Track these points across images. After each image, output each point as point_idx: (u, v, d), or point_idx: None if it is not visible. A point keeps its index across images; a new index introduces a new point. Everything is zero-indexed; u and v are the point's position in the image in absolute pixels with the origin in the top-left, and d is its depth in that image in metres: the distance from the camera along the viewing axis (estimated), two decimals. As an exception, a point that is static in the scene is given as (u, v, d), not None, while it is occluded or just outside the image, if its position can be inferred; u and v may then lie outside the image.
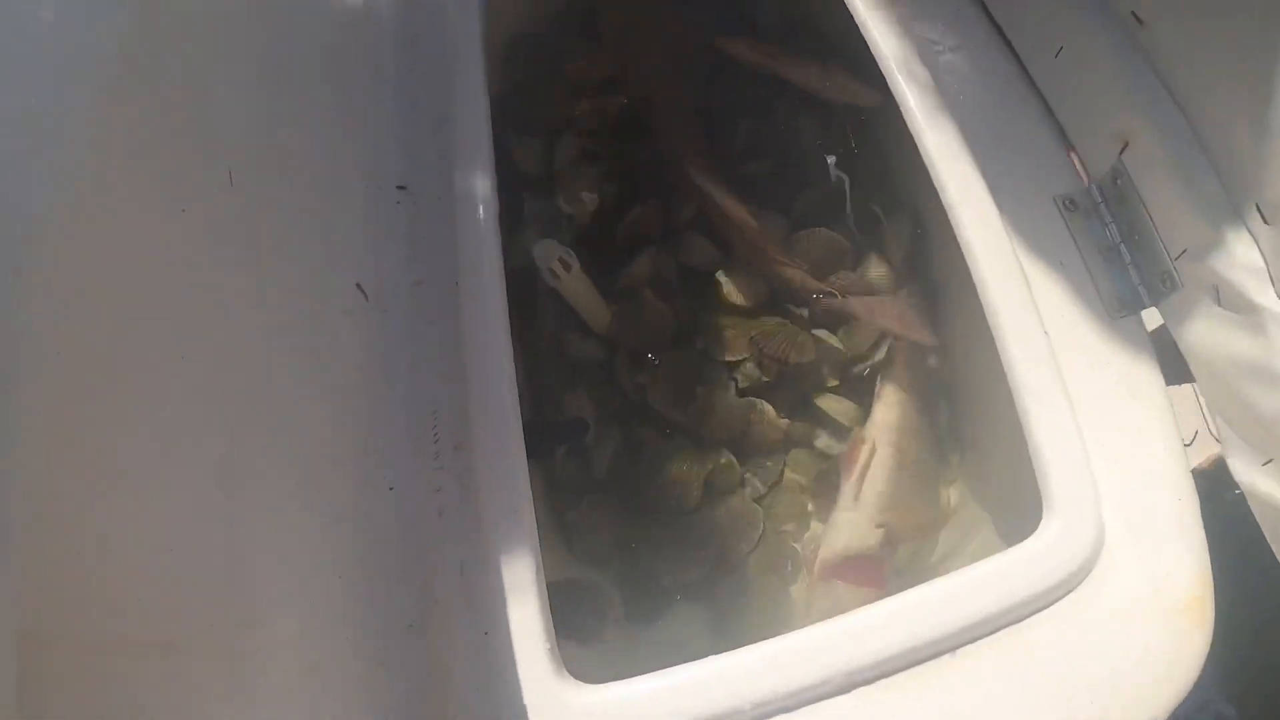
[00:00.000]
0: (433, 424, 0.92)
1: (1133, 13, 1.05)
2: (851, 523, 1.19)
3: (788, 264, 1.28)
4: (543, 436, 1.14)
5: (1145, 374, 1.01)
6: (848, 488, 1.21)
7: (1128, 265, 1.07)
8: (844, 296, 1.29)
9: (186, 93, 0.82)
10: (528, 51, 1.48)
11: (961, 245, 1.05)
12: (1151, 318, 1.06)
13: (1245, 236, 0.94)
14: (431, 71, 1.20)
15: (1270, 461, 0.92)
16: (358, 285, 0.95)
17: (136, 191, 0.73)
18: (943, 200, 1.07)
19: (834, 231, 1.35)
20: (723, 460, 1.27)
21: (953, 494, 1.28)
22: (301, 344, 0.88)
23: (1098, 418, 0.97)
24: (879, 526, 1.19)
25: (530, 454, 0.91)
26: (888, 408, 1.27)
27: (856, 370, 1.33)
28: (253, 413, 0.80)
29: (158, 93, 0.78)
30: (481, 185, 1.03)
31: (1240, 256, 0.94)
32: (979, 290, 1.03)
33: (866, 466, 1.21)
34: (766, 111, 1.44)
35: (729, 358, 1.28)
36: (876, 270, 1.35)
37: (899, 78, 1.12)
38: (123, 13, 0.75)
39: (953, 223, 1.06)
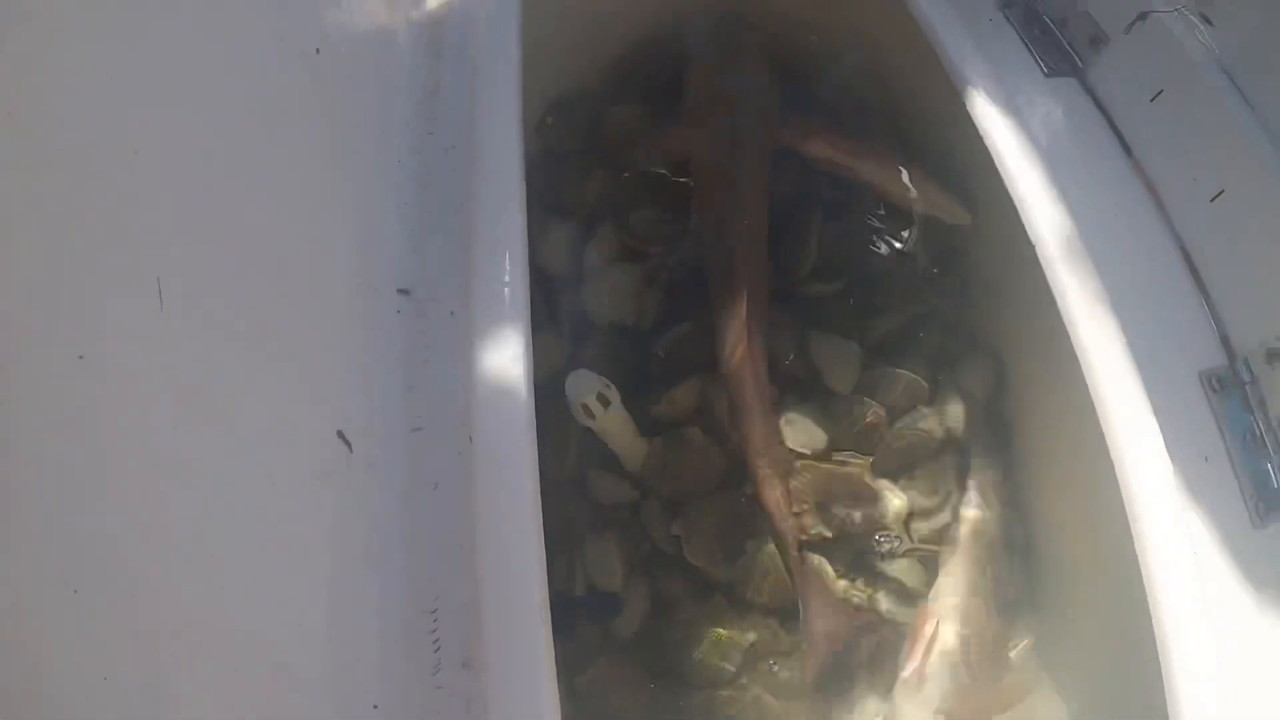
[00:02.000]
0: (432, 626, 0.69)
1: None
2: (913, 717, 1.07)
3: (779, 499, 1.09)
4: (564, 611, 0.93)
5: None
6: (910, 672, 1.08)
7: (1272, 459, 0.91)
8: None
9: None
10: (567, 115, 1.30)
11: (1101, 419, 0.89)
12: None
13: None
14: (452, 138, 0.99)
15: None
16: (339, 434, 0.72)
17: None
18: (1081, 364, 0.89)
19: (910, 372, 1.19)
20: (768, 627, 1.10)
21: (1016, 656, 1.15)
22: (260, 524, 0.64)
23: (1235, 645, 0.82)
24: (938, 714, 1.07)
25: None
26: (954, 579, 1.14)
27: (920, 527, 1.17)
28: (194, 623, 0.57)
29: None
30: (512, 294, 0.80)
31: None
32: (1120, 481, 0.87)
33: (931, 646, 1.08)
34: (837, 217, 1.25)
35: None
36: (950, 413, 1.17)
37: (1035, 218, 0.93)
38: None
39: (1091, 392, 0.90)
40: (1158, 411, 0.88)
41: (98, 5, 0.61)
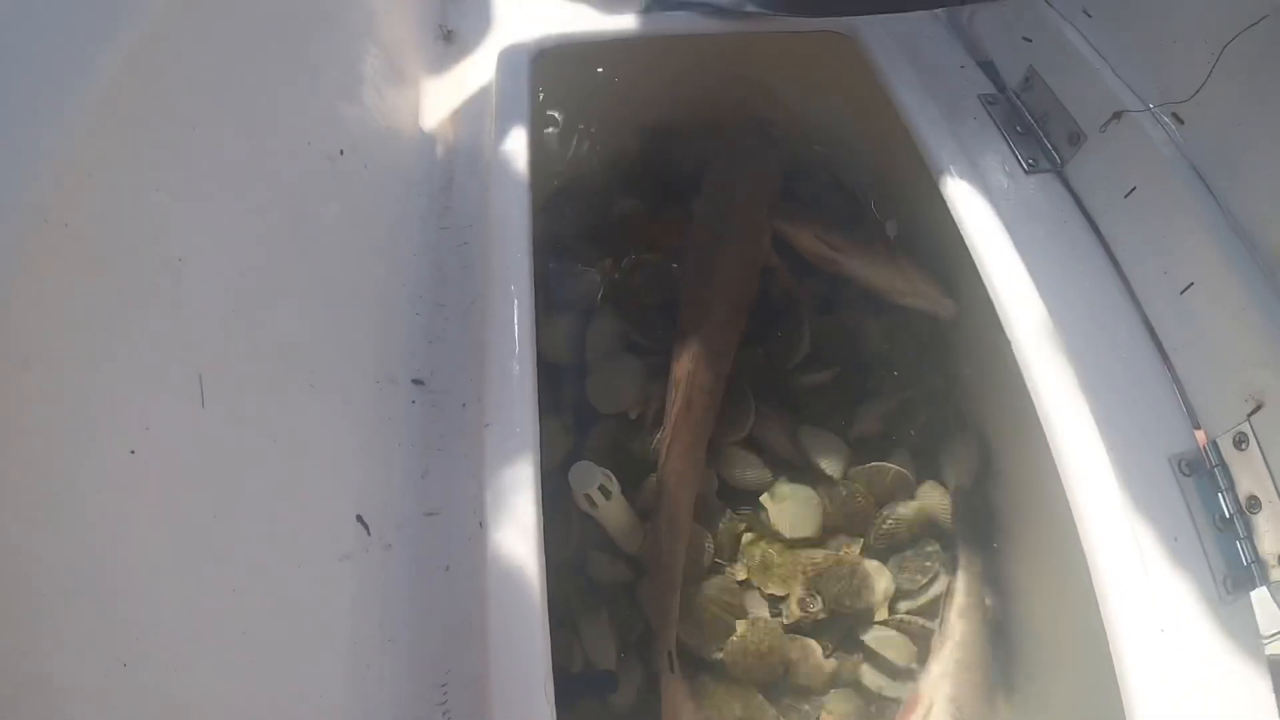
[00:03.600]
0: (442, 698, 0.74)
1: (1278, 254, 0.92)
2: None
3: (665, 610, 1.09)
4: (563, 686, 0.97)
5: (1253, 673, 0.87)
6: None
7: (1241, 540, 0.94)
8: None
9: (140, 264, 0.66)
10: (570, 206, 1.35)
11: (1071, 503, 0.94)
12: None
13: None
14: (464, 235, 1.05)
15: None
16: (358, 517, 0.77)
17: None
18: (1052, 450, 0.94)
19: (897, 465, 1.23)
20: (755, 702, 1.12)
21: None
22: (286, 602, 0.69)
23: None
24: None
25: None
26: (946, 662, 1.15)
27: (905, 605, 1.21)
28: (230, 693, 0.62)
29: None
30: (521, 390, 0.86)
31: None
32: (1090, 562, 0.91)
33: None
34: (828, 309, 1.31)
35: (776, 592, 1.12)
36: (934, 498, 1.22)
37: (1010, 310, 0.99)
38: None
39: (1062, 477, 0.94)
40: (1128, 495, 0.92)
41: (146, 119, 0.67)
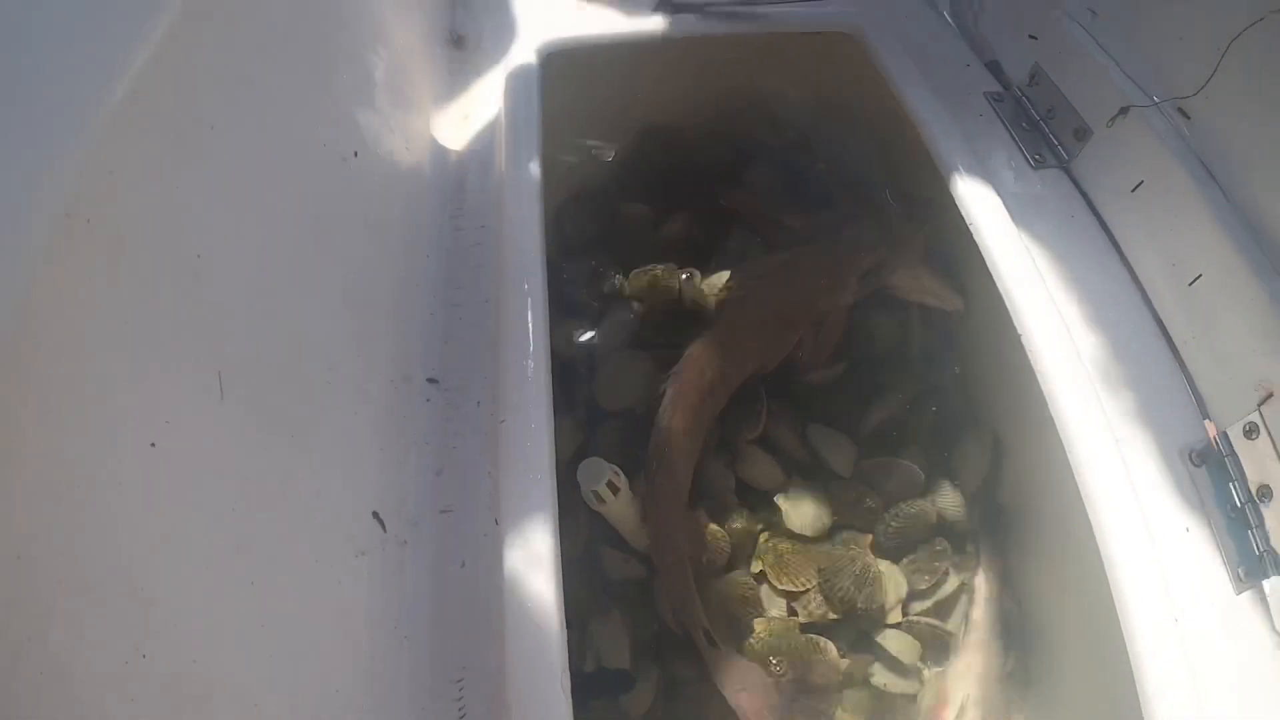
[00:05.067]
0: (458, 694, 0.75)
1: None
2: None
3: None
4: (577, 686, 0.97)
5: (1269, 662, 0.87)
6: None
7: (1254, 529, 0.94)
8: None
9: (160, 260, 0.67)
10: (580, 211, 1.36)
11: (1083, 496, 0.94)
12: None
13: None
14: (477, 235, 1.06)
15: None
16: (374, 514, 0.78)
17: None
18: (1064, 443, 0.94)
19: (908, 460, 1.24)
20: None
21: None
22: (305, 596, 0.70)
23: (1218, 707, 0.85)
24: None
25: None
26: (971, 661, 1.18)
27: (920, 607, 1.21)
28: (249, 685, 0.63)
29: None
30: (535, 388, 0.86)
31: None
32: (1103, 554, 0.91)
33: None
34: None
35: (791, 588, 1.12)
36: (946, 496, 1.22)
37: (1020, 305, 0.99)
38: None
39: (1074, 470, 0.94)
40: (1140, 487, 0.93)
41: (167, 119, 0.68)
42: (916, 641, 1.18)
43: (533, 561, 0.76)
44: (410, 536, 0.81)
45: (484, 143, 1.29)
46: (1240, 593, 0.91)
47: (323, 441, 0.77)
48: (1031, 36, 1.32)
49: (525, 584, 0.76)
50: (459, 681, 0.75)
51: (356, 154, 1.00)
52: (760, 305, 1.24)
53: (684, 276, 1.35)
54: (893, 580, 1.20)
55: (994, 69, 1.38)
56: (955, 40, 1.44)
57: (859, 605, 1.14)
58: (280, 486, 0.71)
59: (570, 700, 0.72)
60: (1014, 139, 1.25)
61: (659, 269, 1.35)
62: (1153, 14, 1.13)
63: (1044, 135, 1.25)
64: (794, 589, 1.15)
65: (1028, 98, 1.30)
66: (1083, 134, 1.20)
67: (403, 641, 0.77)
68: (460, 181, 1.22)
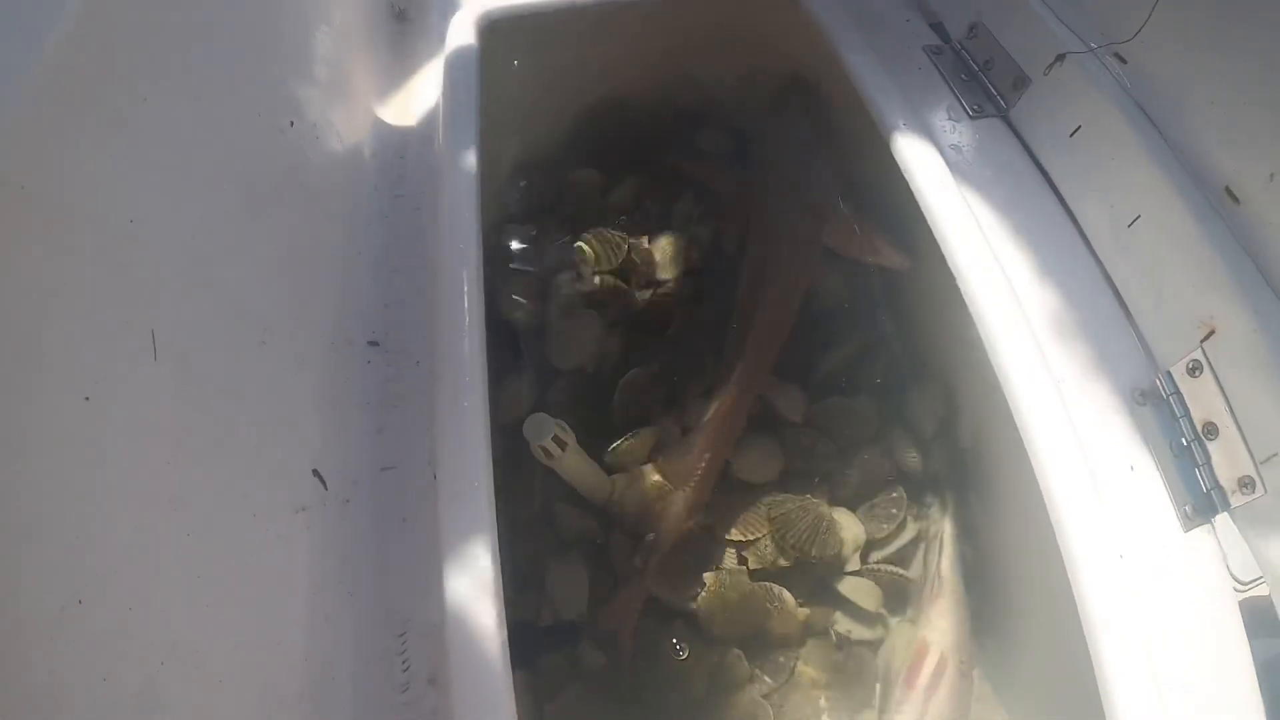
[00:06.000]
0: (401, 647, 0.75)
1: (1227, 189, 0.94)
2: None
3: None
4: (530, 643, 0.98)
5: (1216, 600, 0.89)
6: (910, 703, 1.12)
7: (1200, 466, 0.95)
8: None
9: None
10: (529, 179, 1.37)
11: (1024, 439, 0.94)
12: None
13: None
14: (417, 200, 1.07)
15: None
16: (314, 472, 0.79)
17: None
18: (1008, 394, 0.95)
19: (861, 403, 1.24)
20: (730, 655, 1.14)
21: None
22: (243, 552, 0.70)
23: (1167, 648, 0.87)
24: None
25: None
26: (945, 609, 1.19)
27: (879, 555, 1.23)
28: (186, 640, 0.64)
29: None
30: (470, 345, 0.87)
31: None
32: (1044, 494, 0.92)
33: (936, 680, 1.12)
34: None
35: (740, 537, 1.13)
36: (900, 444, 1.23)
37: (959, 256, 1.00)
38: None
39: (1015, 414, 0.95)
40: (1085, 429, 0.94)
41: (97, 88, 0.69)
42: (877, 588, 1.19)
43: (470, 514, 0.77)
44: (351, 494, 0.82)
45: (426, 113, 1.29)
46: (1189, 530, 0.93)
47: (259, 401, 0.78)
48: (970, -12, 1.33)
49: (463, 537, 0.77)
50: (401, 635, 0.76)
51: (293, 124, 1.01)
52: (769, 333, 1.26)
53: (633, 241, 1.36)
54: (850, 529, 1.21)
55: (936, 28, 1.39)
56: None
57: (813, 553, 1.15)
58: (215, 443, 0.71)
59: (507, 651, 0.73)
60: (952, 91, 1.25)
61: (608, 232, 1.35)
62: (1089, -40, 1.14)
63: (982, 86, 1.26)
64: (743, 538, 1.16)
65: (967, 50, 1.31)
66: (1021, 83, 1.21)
67: (345, 597, 0.78)
68: (402, 151, 1.22)
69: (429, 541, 0.79)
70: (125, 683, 0.57)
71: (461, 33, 1.28)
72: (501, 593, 0.74)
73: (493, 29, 1.30)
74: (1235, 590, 0.94)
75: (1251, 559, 0.92)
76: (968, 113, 1.22)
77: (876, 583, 1.20)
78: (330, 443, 0.83)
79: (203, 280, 0.76)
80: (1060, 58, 1.16)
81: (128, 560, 0.60)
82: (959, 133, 1.20)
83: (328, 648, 0.75)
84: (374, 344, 0.92)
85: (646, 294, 1.32)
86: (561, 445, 0.99)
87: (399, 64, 1.38)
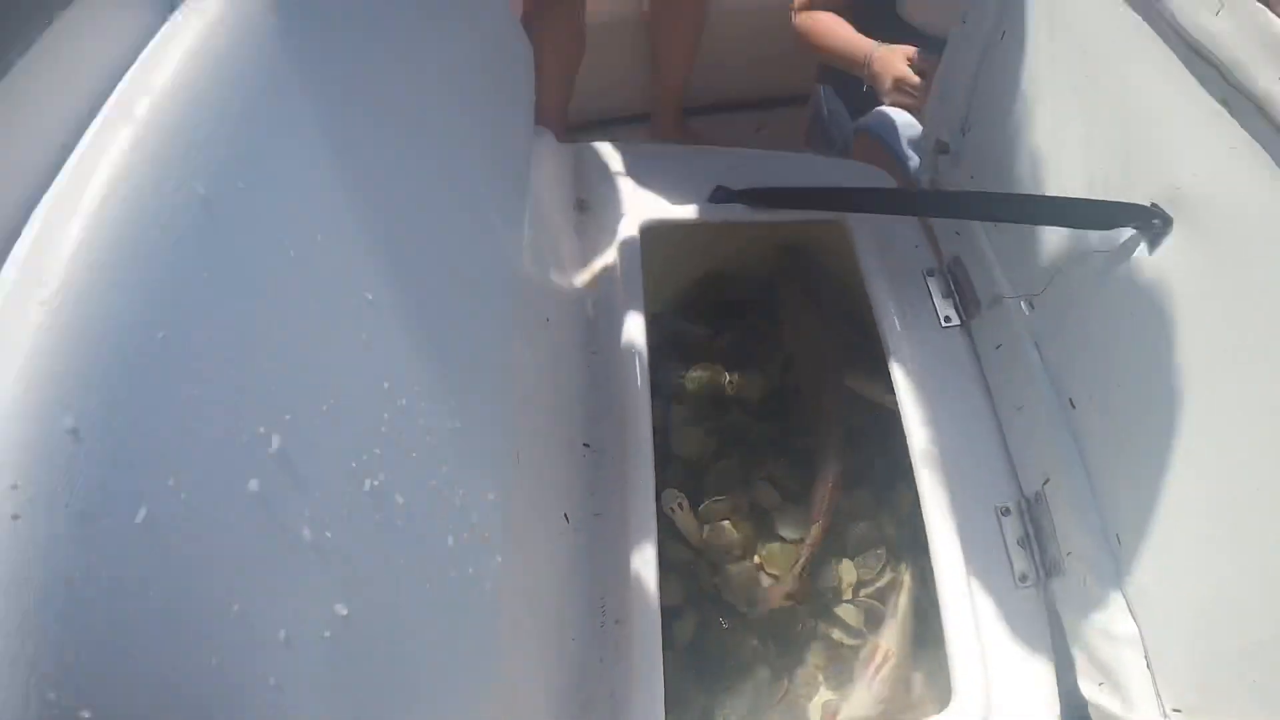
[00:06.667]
0: (601, 605, 1.50)
1: (1069, 399, 1.66)
2: (864, 703, 1.68)
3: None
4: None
5: (1036, 633, 1.49)
6: (864, 679, 1.69)
7: (1034, 555, 1.54)
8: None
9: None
10: (661, 326, 2.14)
11: (928, 537, 1.57)
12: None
13: (1108, 552, 1.48)
14: (610, 355, 1.84)
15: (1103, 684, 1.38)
16: (565, 515, 1.55)
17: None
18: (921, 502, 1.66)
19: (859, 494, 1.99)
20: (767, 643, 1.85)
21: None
22: (530, 565, 1.44)
23: (999, 658, 1.46)
24: (880, 702, 1.69)
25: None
26: (897, 625, 1.74)
27: (866, 591, 1.89)
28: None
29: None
30: (643, 447, 1.63)
31: (1104, 565, 1.46)
32: (934, 567, 1.57)
33: (880, 668, 1.69)
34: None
35: (776, 572, 1.88)
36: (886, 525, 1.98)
37: (908, 410, 1.74)
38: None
39: (925, 521, 1.60)
40: (959, 530, 1.58)
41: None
42: (861, 613, 1.73)
43: (641, 541, 1.48)
44: (580, 529, 1.57)
45: (604, 281, 2.05)
46: (1019, 588, 1.51)
47: (547, 478, 1.55)
48: (956, 233, 2.02)
49: (638, 553, 1.49)
50: (603, 597, 1.50)
51: (549, 320, 1.77)
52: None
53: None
54: (848, 572, 1.76)
55: (936, 255, 2.10)
56: (915, 227, 2.13)
57: (822, 587, 1.76)
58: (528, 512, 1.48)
59: (659, 610, 1.48)
60: (932, 303, 1.93)
61: (713, 367, 2.13)
62: (1019, 233, 1.67)
63: (956, 303, 1.98)
64: (778, 574, 1.81)
65: (952, 274, 2.03)
66: (974, 307, 1.91)
67: (576, 580, 1.54)
68: (583, 304, 1.97)
69: (619, 556, 1.52)
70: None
71: (629, 230, 1.96)
72: (658, 579, 1.49)
73: (649, 229, 1.93)
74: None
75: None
76: (939, 322, 1.90)
77: (860, 610, 1.74)
78: (570, 499, 1.58)
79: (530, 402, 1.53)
80: (996, 299, 1.81)
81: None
82: (931, 334, 1.88)
83: (570, 602, 1.49)
84: (587, 445, 1.68)
85: (736, 411, 2.08)
86: (681, 508, 1.75)
87: (583, 245, 2.13)
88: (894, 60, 2.40)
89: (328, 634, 0.70)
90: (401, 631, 0.82)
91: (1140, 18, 1.32)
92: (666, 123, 3.24)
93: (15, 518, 0.49)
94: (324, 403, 0.78)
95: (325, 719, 0.70)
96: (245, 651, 0.65)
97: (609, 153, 2.17)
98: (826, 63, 2.75)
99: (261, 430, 0.69)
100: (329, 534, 0.73)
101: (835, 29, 2.59)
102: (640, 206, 2.02)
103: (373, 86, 1.05)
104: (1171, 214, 1.29)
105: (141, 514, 0.58)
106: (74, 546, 0.53)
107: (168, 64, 0.73)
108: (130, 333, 0.61)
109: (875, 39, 2.52)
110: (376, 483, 0.80)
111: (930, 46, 2.39)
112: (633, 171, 2.10)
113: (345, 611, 0.72)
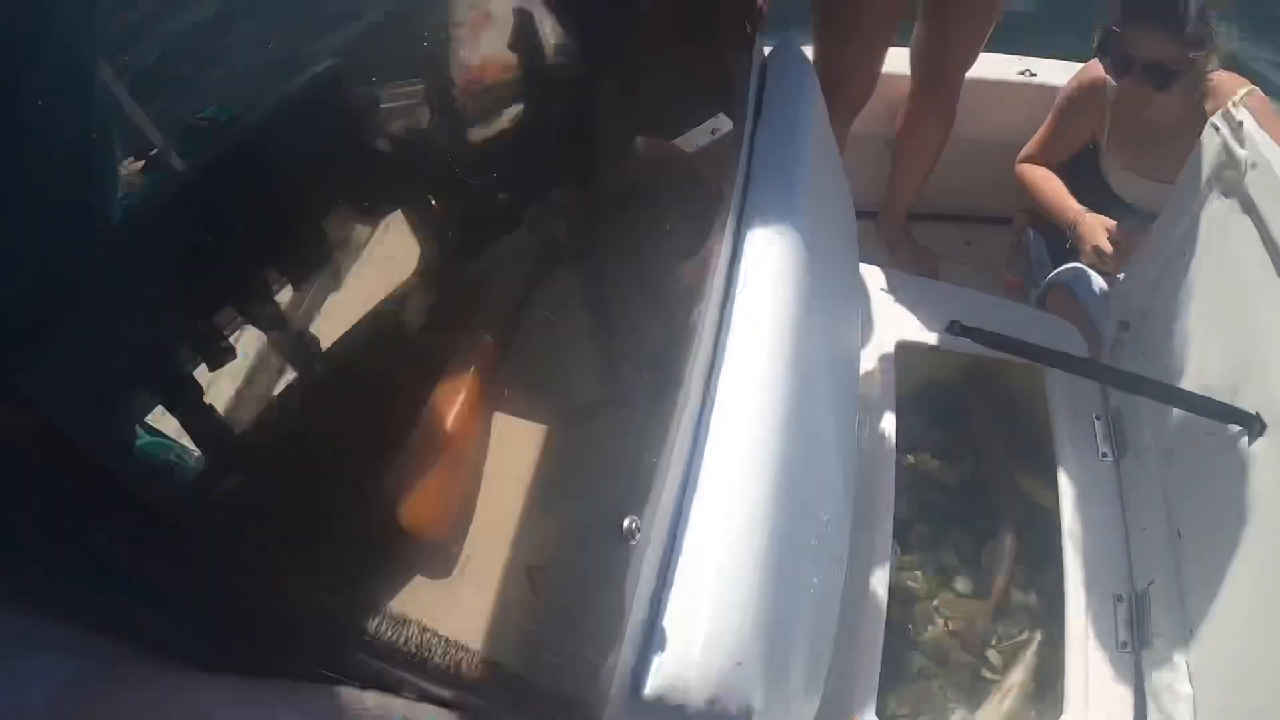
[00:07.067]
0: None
1: (1177, 529, 2.28)
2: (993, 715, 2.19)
3: None
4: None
5: (1126, 682, 2.07)
6: (994, 698, 2.25)
7: (1134, 631, 2.11)
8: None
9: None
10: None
11: (1065, 605, 2.25)
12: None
13: (1183, 639, 2.14)
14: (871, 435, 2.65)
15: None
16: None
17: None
18: (1064, 578, 2.47)
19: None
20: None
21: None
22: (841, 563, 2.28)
23: (1099, 691, 2.27)
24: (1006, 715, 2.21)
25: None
26: (1024, 667, 2.26)
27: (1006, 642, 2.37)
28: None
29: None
30: (887, 507, 2.44)
31: (1178, 647, 1.99)
32: (1066, 626, 2.31)
33: (1008, 694, 2.20)
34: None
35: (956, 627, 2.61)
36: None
37: (1065, 491, 2.54)
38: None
39: (1065, 593, 2.39)
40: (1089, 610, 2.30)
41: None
42: (1000, 657, 2.22)
43: (875, 571, 2.36)
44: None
45: (866, 383, 2.76)
46: (1126, 654, 2.07)
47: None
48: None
49: (872, 578, 2.36)
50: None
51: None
52: None
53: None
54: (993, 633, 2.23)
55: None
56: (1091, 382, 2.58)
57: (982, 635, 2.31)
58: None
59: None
60: (1095, 439, 2.53)
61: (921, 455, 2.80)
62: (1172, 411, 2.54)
63: (1112, 440, 2.66)
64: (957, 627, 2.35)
65: (1114, 421, 2.43)
66: (1125, 449, 2.34)
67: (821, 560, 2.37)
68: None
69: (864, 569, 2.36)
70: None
71: (886, 345, 2.59)
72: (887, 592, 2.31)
73: (901, 346, 2.55)
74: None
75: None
76: (1098, 456, 2.46)
77: (1000, 653, 2.26)
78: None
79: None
80: (1143, 449, 2.37)
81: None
82: (1092, 465, 2.49)
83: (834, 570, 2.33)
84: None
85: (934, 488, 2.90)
86: (895, 551, 2.58)
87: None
88: (1096, 229, 2.80)
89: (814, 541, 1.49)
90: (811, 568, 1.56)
91: (1272, 264, 1.87)
92: (893, 223, 3.60)
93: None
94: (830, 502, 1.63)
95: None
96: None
97: (868, 272, 2.71)
98: (1036, 210, 3.23)
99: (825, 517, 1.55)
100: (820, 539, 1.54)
101: (1050, 185, 3.04)
102: (892, 328, 2.61)
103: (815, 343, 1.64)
104: (1267, 421, 1.82)
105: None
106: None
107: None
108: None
109: (1084, 201, 2.93)
110: (826, 518, 1.63)
111: (1130, 217, 2.85)
112: (883, 294, 2.70)
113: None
